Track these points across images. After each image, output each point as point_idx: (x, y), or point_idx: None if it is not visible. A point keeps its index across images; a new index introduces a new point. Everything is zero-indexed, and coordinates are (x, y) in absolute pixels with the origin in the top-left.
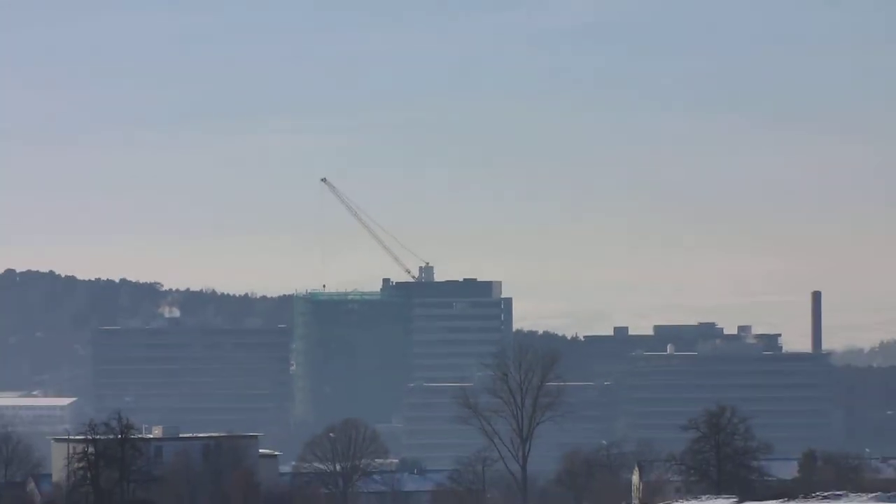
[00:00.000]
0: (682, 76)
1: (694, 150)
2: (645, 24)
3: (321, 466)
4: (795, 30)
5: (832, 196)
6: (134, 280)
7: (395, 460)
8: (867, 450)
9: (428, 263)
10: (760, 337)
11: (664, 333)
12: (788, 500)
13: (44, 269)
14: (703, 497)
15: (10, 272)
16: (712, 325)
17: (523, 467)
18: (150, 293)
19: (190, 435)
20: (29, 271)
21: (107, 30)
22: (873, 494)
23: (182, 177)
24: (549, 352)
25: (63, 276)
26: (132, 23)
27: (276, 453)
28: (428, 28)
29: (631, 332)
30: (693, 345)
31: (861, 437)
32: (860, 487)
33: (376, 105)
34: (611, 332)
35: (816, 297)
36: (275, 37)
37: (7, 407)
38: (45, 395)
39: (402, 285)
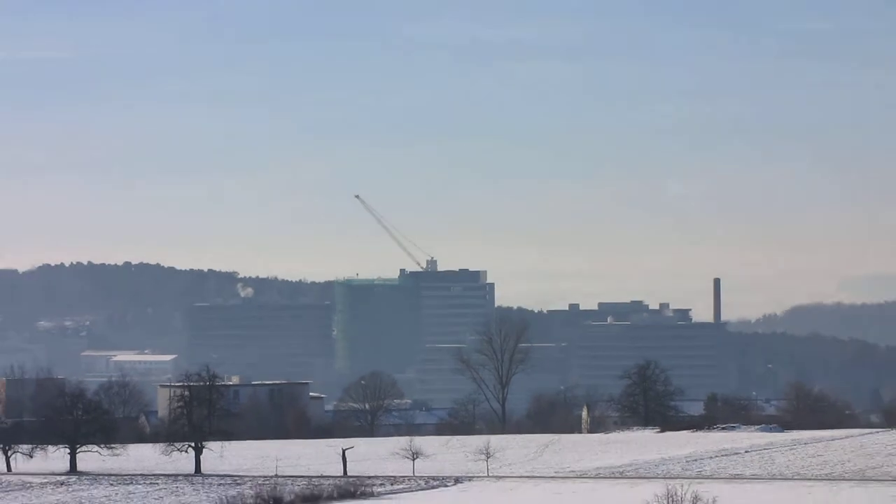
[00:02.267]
0: (624, 92)
1: (634, 173)
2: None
3: (355, 405)
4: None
5: (730, 207)
6: (218, 270)
7: (409, 401)
8: (754, 393)
9: (433, 258)
10: (676, 311)
11: (606, 308)
12: (697, 430)
13: (152, 262)
14: (634, 428)
15: (127, 264)
16: (641, 302)
17: (503, 406)
18: (230, 279)
19: (259, 382)
20: (141, 263)
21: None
22: (759, 426)
23: (253, 197)
24: (521, 322)
25: (166, 266)
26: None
27: (321, 396)
28: (433, 77)
29: (581, 308)
30: (627, 316)
31: (749, 384)
32: (749, 421)
33: (396, 139)
34: (566, 308)
35: (717, 282)
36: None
37: (125, 362)
38: (153, 354)
39: (413, 273)
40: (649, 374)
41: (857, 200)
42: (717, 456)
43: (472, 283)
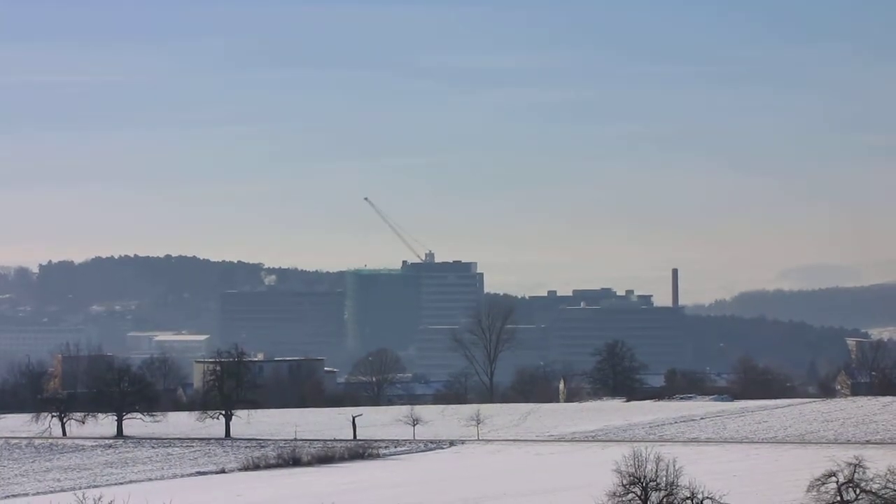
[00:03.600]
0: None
1: (609, 178)
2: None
3: (363, 378)
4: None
5: (686, 208)
6: (246, 261)
7: (410, 375)
8: (707, 368)
9: (431, 251)
10: (640, 297)
11: (579, 295)
12: (659, 400)
13: (189, 254)
14: (604, 398)
15: (168, 256)
16: (609, 289)
17: (491, 379)
18: (256, 269)
19: (280, 359)
20: (180, 255)
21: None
22: (712, 396)
23: (277, 199)
24: (507, 307)
25: (202, 258)
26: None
27: (335, 370)
28: (436, 101)
29: (558, 294)
30: (598, 302)
31: (703, 360)
32: (704, 392)
33: (396, 153)
34: (546, 294)
35: (675, 272)
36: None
37: (166, 340)
38: (190, 334)
39: (414, 265)
40: (617, 352)
41: (793, 202)
42: (676, 422)
43: (465, 273)
